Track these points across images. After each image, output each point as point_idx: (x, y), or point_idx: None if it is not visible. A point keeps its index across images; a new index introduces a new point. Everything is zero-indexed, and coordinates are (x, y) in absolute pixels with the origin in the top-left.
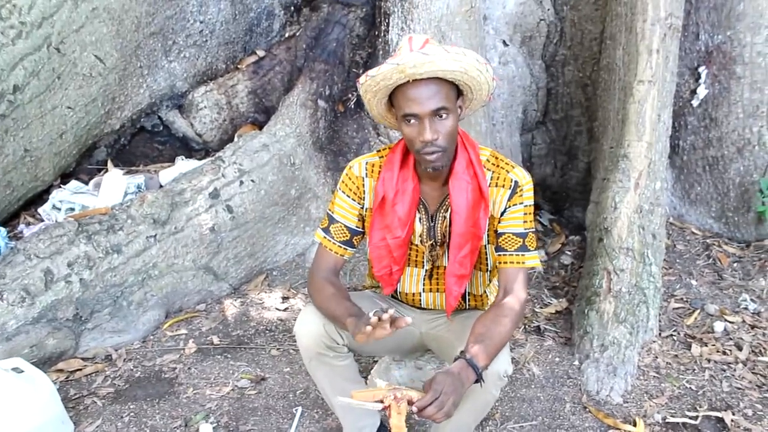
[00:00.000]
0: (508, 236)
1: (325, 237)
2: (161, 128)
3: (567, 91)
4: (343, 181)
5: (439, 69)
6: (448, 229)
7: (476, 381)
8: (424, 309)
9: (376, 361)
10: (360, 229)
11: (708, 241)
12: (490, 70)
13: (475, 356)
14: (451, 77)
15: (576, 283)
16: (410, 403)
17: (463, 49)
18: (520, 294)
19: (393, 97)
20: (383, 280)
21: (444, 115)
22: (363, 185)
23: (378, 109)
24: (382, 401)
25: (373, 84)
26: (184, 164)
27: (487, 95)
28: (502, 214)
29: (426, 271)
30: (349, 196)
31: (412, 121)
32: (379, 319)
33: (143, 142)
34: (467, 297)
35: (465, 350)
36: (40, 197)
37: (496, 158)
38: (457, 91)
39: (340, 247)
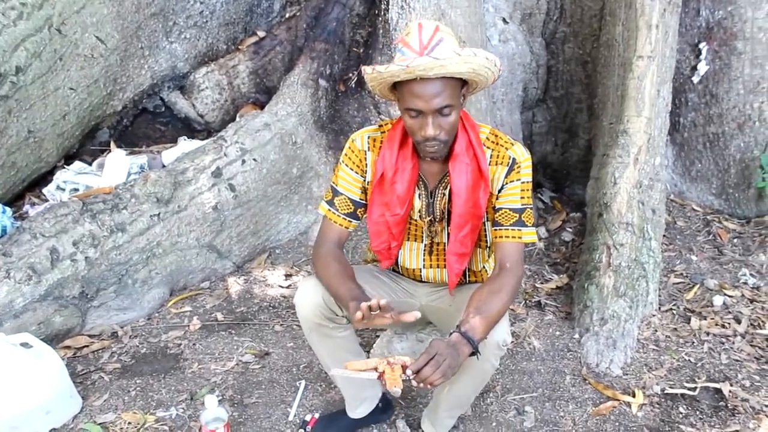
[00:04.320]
0: (505, 211)
1: (329, 210)
2: (163, 109)
3: (567, 68)
4: (345, 154)
5: (449, 72)
6: (447, 206)
7: (472, 354)
8: (424, 282)
9: (378, 336)
10: (363, 201)
11: (708, 217)
12: (498, 64)
13: (470, 330)
14: (458, 76)
15: (576, 260)
16: (405, 368)
17: (474, 50)
18: (517, 268)
19: (398, 85)
20: (381, 255)
21: (448, 112)
22: (365, 158)
23: (381, 91)
24: (376, 369)
25: (379, 77)
26: (186, 144)
27: (491, 84)
28: (499, 191)
29: (425, 246)
30: (351, 169)
31: (416, 114)
32: (370, 309)
33: (146, 123)
34: (467, 273)
35: (461, 323)
36: (45, 178)
37: (496, 136)
38: (462, 83)
39: (345, 219)
